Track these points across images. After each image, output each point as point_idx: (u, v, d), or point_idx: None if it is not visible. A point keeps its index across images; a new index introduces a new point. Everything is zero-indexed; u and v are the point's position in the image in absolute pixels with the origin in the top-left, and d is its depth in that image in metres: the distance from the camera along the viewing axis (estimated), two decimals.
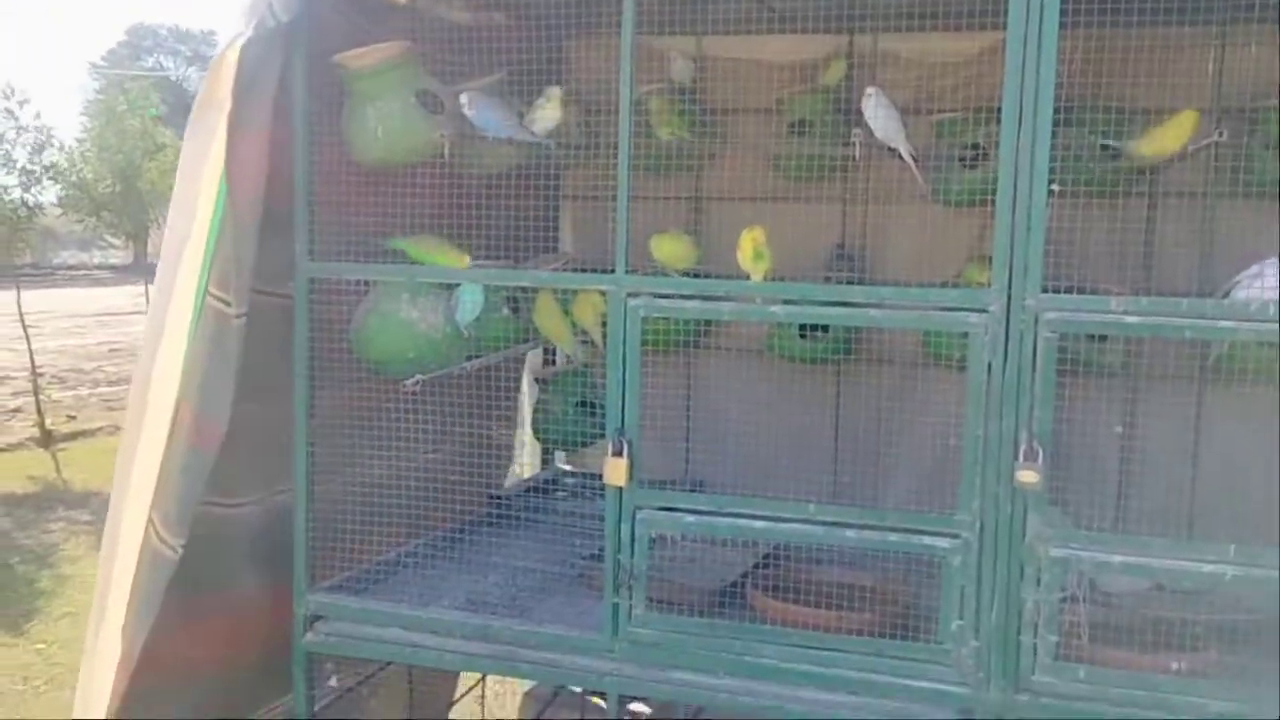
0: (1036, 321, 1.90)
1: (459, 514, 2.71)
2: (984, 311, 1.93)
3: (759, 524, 2.10)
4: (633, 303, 2.12)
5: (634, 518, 2.12)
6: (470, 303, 2.32)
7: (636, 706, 3.04)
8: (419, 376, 2.33)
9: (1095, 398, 2.86)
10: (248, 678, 2.45)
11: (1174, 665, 1.92)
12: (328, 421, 2.37)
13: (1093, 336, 2.64)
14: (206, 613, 2.30)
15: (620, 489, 2.13)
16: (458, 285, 2.36)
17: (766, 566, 2.40)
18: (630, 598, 2.14)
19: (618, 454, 2.12)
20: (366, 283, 2.41)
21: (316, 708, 2.34)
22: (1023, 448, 1.91)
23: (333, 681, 2.38)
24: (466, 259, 2.30)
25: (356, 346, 2.41)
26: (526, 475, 3.32)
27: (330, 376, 2.36)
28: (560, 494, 3.16)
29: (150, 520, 2.15)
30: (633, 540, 2.13)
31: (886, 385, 3.01)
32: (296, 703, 2.32)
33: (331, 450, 2.39)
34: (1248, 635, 2.02)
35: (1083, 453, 2.75)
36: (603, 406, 2.90)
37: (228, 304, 2.12)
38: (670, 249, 2.51)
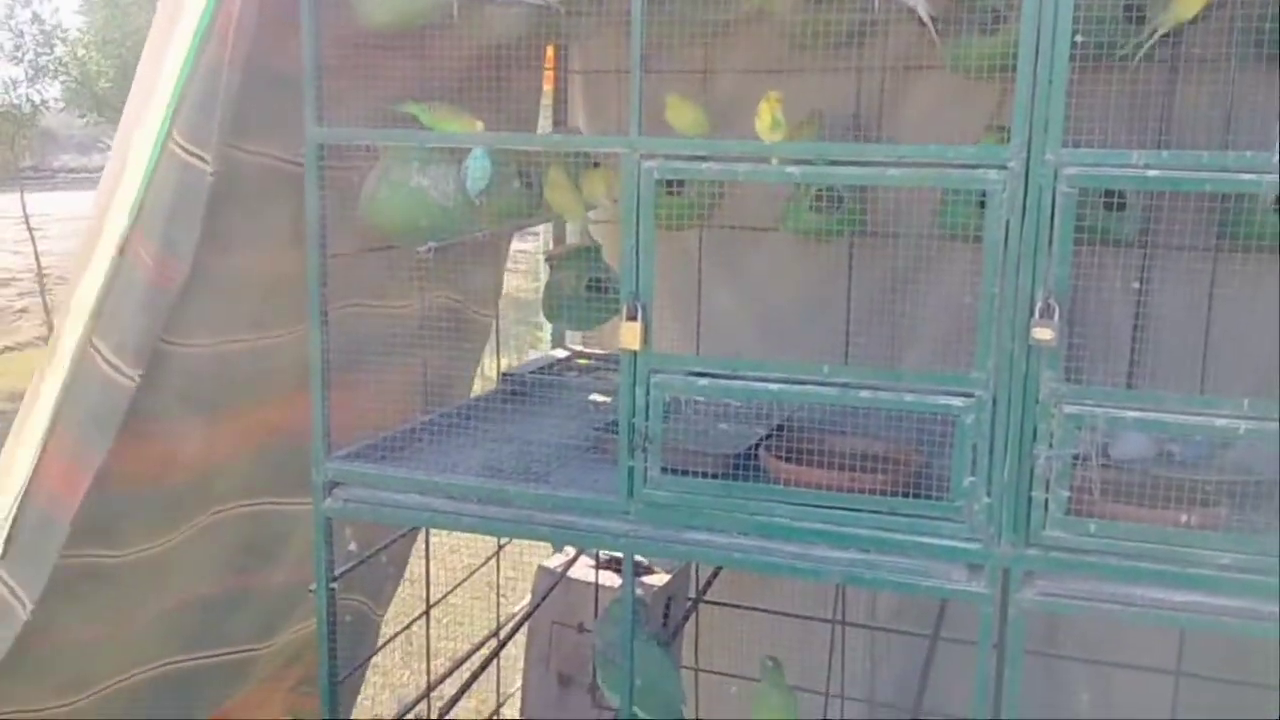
0: (1056, 177, 1.88)
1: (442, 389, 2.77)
2: (1003, 168, 1.91)
3: (773, 386, 2.11)
4: (646, 164, 2.09)
5: (648, 381, 2.13)
6: (479, 170, 2.30)
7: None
8: (432, 244, 2.33)
9: (1110, 269, 2.85)
10: (173, 498, 2.56)
11: (1183, 518, 1.94)
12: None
13: (1110, 206, 2.62)
14: (135, 435, 2.37)
15: (634, 353, 2.13)
16: (468, 153, 2.33)
17: (779, 435, 2.42)
18: (645, 461, 2.16)
19: (632, 318, 2.11)
20: (376, 151, 2.39)
21: (336, 572, 2.38)
22: (1039, 305, 1.90)
23: (352, 547, 2.42)
24: (479, 124, 2.27)
25: (367, 215, 2.40)
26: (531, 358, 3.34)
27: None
28: (573, 374, 3.17)
29: (95, 349, 2.25)
30: (647, 404, 2.14)
31: (901, 260, 3.00)
32: (316, 569, 2.37)
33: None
34: (1257, 497, 2.04)
35: (1097, 320, 2.76)
36: (613, 286, 2.91)
37: (204, 161, 2.18)
38: (686, 114, 2.47)
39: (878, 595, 3.40)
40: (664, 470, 2.16)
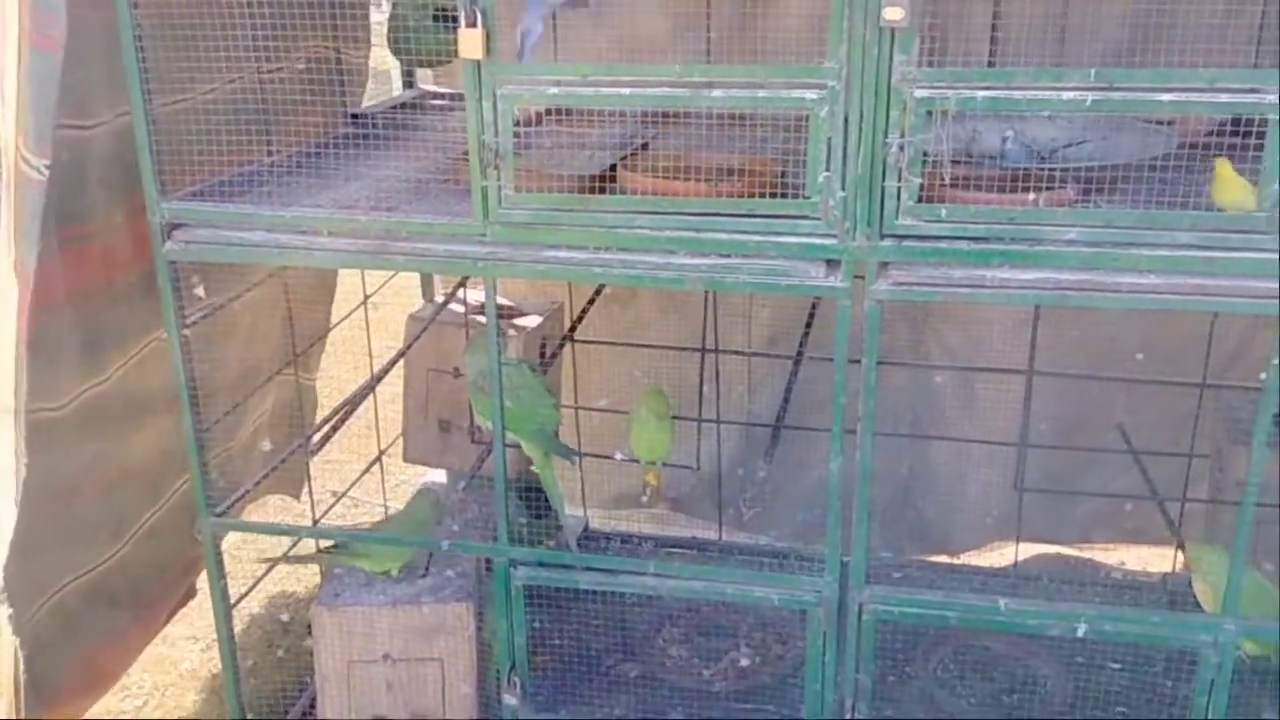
0: None
1: (313, 132, 2.62)
2: None
3: (625, 91, 2.03)
4: None
5: (495, 94, 2.03)
6: None
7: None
8: None
9: None
10: (130, 302, 2.44)
11: (1031, 198, 1.97)
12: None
13: None
14: (79, 241, 2.26)
15: (477, 63, 2.02)
16: None
17: (639, 157, 2.37)
18: (499, 179, 2.09)
19: (471, 24, 1.99)
20: None
21: (188, 320, 2.30)
22: None
23: (199, 292, 2.33)
24: None
25: None
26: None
27: None
28: (425, 112, 3.03)
29: (18, 145, 2.08)
30: (495, 118, 2.05)
31: None
32: (165, 316, 2.27)
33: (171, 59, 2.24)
34: (1104, 183, 2.08)
35: (956, 28, 2.73)
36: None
37: None
38: None
39: (752, 323, 3.46)
40: (517, 189, 2.10)
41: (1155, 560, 3.43)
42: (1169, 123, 2.35)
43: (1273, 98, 1.79)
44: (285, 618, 3.46)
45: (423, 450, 3.14)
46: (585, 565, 2.35)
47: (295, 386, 2.95)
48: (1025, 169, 2.13)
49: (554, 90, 2.04)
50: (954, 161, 2.23)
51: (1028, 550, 3.66)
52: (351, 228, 2.18)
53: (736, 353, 3.29)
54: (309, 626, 2.77)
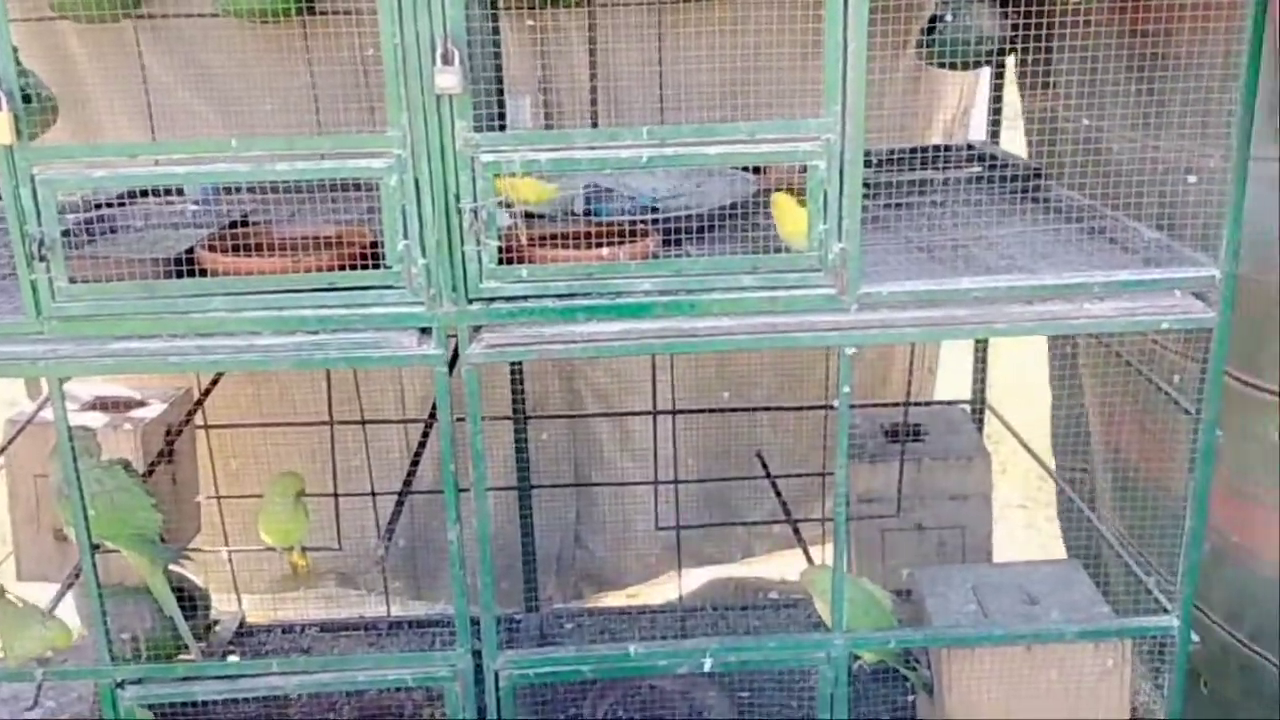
0: None
1: None
2: None
3: (180, 170, 1.91)
4: None
5: (33, 180, 1.87)
6: None
7: None
8: None
9: (570, 31, 2.87)
10: None
11: (606, 252, 2.01)
12: None
13: None
14: None
15: (10, 149, 1.85)
16: None
17: (228, 233, 2.25)
18: (49, 272, 1.92)
19: None
20: None
21: None
22: (439, 51, 1.84)
23: None
24: None
25: None
26: None
27: None
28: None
29: None
30: (37, 206, 1.88)
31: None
32: None
33: None
34: (697, 230, 2.15)
35: (567, 86, 2.78)
36: (37, 93, 2.54)
37: None
38: None
39: (404, 388, 3.38)
40: (73, 280, 1.93)
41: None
42: (760, 170, 2.48)
43: (808, 145, 1.92)
44: None
45: (38, 565, 2.84)
46: (202, 675, 2.19)
47: None
48: (614, 223, 2.19)
49: (101, 173, 1.90)
50: (551, 219, 2.27)
51: (700, 576, 3.77)
52: None
53: (387, 421, 3.21)
54: None
